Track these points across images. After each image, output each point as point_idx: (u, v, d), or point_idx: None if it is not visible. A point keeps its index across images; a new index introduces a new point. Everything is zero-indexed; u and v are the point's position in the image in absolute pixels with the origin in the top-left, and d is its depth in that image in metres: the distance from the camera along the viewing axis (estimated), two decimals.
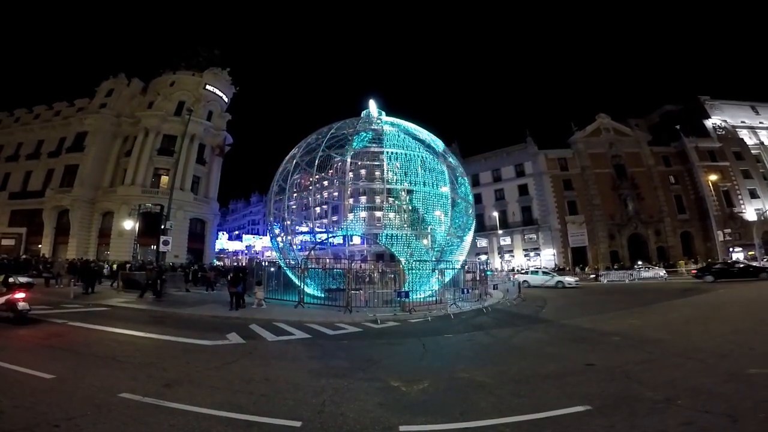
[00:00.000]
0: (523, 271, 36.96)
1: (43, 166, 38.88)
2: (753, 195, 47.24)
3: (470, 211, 20.60)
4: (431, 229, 18.98)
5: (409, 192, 18.46)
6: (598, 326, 11.35)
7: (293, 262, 18.48)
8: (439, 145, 20.47)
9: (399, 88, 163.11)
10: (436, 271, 17.89)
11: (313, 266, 18.01)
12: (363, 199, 34.97)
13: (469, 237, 20.52)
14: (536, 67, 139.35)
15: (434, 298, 17.61)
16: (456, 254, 19.64)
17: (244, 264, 37.50)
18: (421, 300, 16.77)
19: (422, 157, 18.61)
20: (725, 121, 50.87)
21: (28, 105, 43.45)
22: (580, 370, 6.63)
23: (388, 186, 17.93)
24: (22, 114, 42.83)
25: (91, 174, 37.34)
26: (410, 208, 19.21)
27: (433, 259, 18.29)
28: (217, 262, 42.64)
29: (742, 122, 51.47)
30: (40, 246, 35.20)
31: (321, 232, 19.50)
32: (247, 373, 6.82)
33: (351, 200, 29.18)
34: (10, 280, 11.58)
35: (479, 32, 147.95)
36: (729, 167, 47.61)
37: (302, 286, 16.44)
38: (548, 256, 46.44)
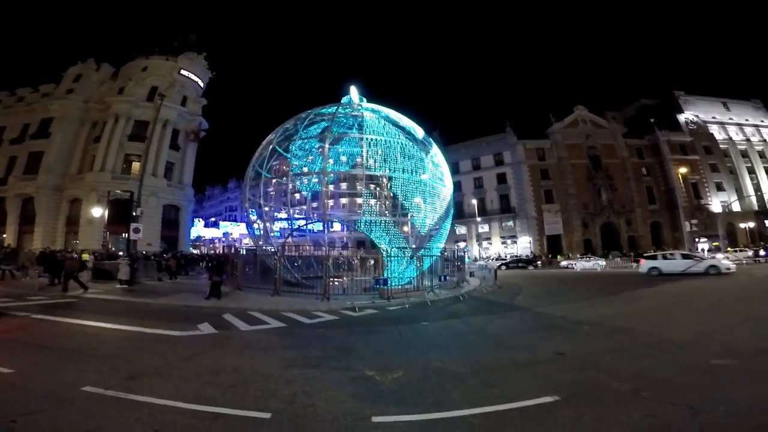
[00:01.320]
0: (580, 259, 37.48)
1: (4, 153, 37.17)
2: (719, 188, 49.37)
3: (449, 199, 20.64)
4: (411, 216, 18.93)
5: (389, 179, 18.33)
6: (571, 314, 11.54)
7: (272, 249, 18.21)
8: (418, 132, 20.36)
9: (382, 76, 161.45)
10: (415, 258, 17.96)
11: (290, 253, 17.81)
12: (344, 185, 34.69)
13: (447, 224, 20.65)
14: (518, 59, 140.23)
15: (413, 285, 17.71)
16: (435, 241, 19.76)
17: (220, 252, 36.74)
18: (400, 287, 16.86)
19: (402, 143, 18.46)
20: (697, 116, 52.69)
21: None
22: (551, 360, 6.72)
23: (367, 172, 17.71)
24: None
25: (57, 161, 35.93)
26: (390, 194, 19.08)
27: (413, 246, 18.36)
28: (193, 250, 41.70)
29: (713, 117, 53.45)
30: (4, 236, 33.49)
31: (299, 219, 19.19)
32: (217, 364, 6.65)
33: (332, 187, 28.86)
34: None
35: (463, 23, 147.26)
36: (698, 161, 49.50)
37: (278, 274, 16.17)
38: (525, 244, 47.47)
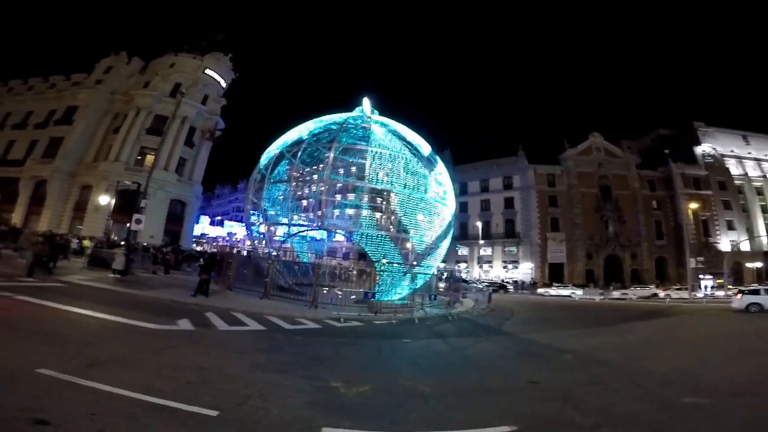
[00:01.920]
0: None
1: (27, 136, 38.31)
2: (730, 226, 48.49)
3: (450, 219, 20.53)
4: (409, 232, 18.84)
5: (389, 193, 18.36)
6: (556, 342, 11.38)
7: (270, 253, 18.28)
8: (425, 149, 20.43)
9: (400, 91, 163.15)
10: (409, 275, 17.85)
11: (283, 258, 17.85)
12: (351, 196, 34.73)
13: (445, 243, 20.46)
14: (538, 81, 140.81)
15: (405, 302, 17.55)
16: (430, 259, 19.62)
17: (215, 251, 36.93)
18: (392, 302, 16.73)
19: (406, 159, 18.53)
20: (715, 149, 51.76)
21: (27, 77, 42.66)
22: (522, 387, 6.56)
23: (368, 185, 17.78)
24: (17, 85, 42.32)
25: (76, 147, 36.88)
26: (390, 209, 19.08)
27: (408, 263, 18.26)
28: (195, 247, 41.99)
29: (731, 151, 52.45)
30: (12, 215, 34.17)
31: (296, 225, 19.22)
32: (183, 359, 6.65)
33: (339, 196, 28.93)
34: None
35: (485, 44, 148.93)
36: (711, 197, 48.73)
37: (269, 277, 16.18)
38: (526, 270, 46.92)
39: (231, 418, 4.37)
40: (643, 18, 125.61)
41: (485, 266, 50.42)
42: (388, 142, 18.73)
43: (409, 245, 18.91)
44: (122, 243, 22.16)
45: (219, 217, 76.14)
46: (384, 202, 18.84)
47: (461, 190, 54.04)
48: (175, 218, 38.33)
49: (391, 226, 18.75)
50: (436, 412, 5.19)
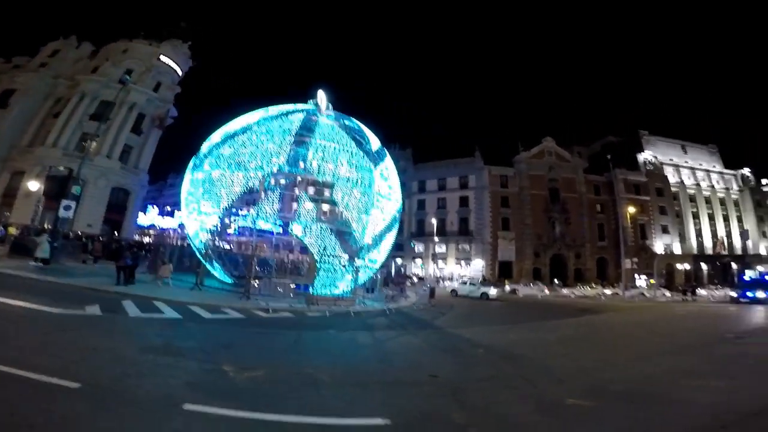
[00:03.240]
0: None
1: None
2: (664, 230, 52.33)
3: (395, 214, 20.87)
4: (350, 225, 18.97)
5: (332, 186, 18.43)
6: (478, 337, 11.51)
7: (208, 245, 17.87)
8: (374, 144, 20.65)
9: (364, 90, 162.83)
10: (350, 268, 18.02)
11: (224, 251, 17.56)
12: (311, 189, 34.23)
13: (389, 238, 20.81)
14: (497, 86, 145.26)
15: (346, 295, 17.70)
16: (374, 253, 19.89)
17: (149, 241, 35.53)
18: (333, 295, 16.82)
19: (351, 152, 18.67)
20: (656, 156, 55.62)
21: None
22: (420, 382, 6.49)
23: (309, 176, 17.79)
24: None
25: (9, 132, 34.44)
26: (332, 201, 19.14)
27: (350, 257, 18.41)
28: (139, 237, 40.10)
29: (670, 159, 56.66)
30: None
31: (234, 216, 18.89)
32: (76, 341, 6.56)
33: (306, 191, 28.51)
34: None
35: (448, 47, 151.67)
36: (649, 202, 52.33)
37: (200, 269, 15.92)
38: (478, 267, 48.40)
39: (93, 391, 4.39)
40: (604, 29, 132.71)
41: (440, 263, 51.53)
42: (334, 135, 18.79)
43: (351, 239, 19.11)
44: (52, 230, 20.85)
45: (168, 207, 72.93)
46: (326, 195, 18.86)
47: (420, 188, 55.04)
48: (118, 208, 36.40)
49: (331, 219, 18.81)
50: (320, 400, 5.18)
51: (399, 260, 51.80)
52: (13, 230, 22.67)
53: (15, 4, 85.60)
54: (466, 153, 54.50)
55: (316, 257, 17.34)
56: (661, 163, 55.78)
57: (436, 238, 49.14)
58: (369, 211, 18.51)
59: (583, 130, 65.99)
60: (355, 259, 18.52)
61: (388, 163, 21.11)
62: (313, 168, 17.97)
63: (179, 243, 19.81)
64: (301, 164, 18.33)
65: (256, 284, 15.32)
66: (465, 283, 33.62)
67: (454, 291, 31.28)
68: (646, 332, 14.92)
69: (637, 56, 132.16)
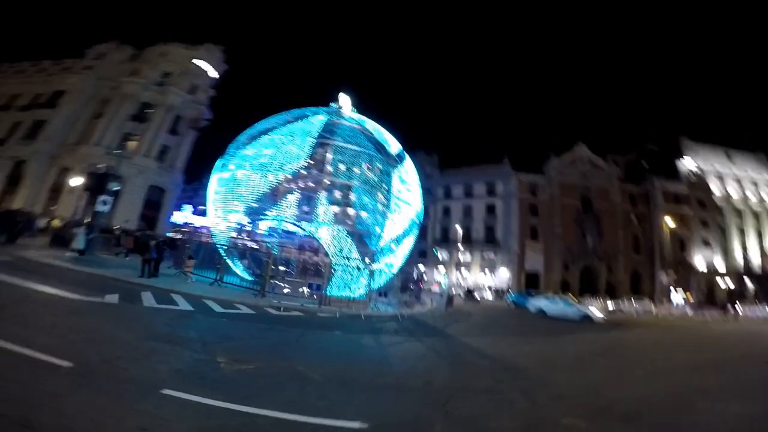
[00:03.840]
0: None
1: (10, 118, 38.26)
2: (705, 244, 49.07)
3: (414, 218, 20.79)
4: (368, 228, 19.04)
5: (349, 188, 18.61)
6: (487, 348, 11.16)
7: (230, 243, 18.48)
8: (394, 148, 20.72)
9: (392, 96, 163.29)
10: (365, 271, 18.05)
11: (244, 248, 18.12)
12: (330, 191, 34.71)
13: (407, 242, 20.75)
14: (528, 91, 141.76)
15: (360, 298, 17.75)
16: (391, 257, 19.87)
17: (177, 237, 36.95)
18: (347, 297, 16.88)
19: (370, 156, 18.83)
20: (698, 165, 51.92)
21: (18, 61, 42.93)
22: (414, 388, 6.35)
23: (328, 178, 18.06)
24: (5, 68, 42.29)
25: (59, 131, 37.01)
26: (350, 204, 19.30)
27: (366, 259, 18.47)
28: (172, 234, 41.84)
29: (714, 168, 52.55)
30: None
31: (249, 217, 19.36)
32: (84, 325, 6.97)
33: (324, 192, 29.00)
34: None
35: (476, 53, 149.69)
36: (690, 215, 49.27)
37: (220, 266, 16.44)
38: (503, 277, 47.26)
39: (81, 370, 4.67)
40: (638, 33, 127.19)
41: (464, 271, 50.70)
42: (355, 137, 19.00)
43: (368, 241, 19.17)
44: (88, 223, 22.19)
45: (203, 207, 75.82)
46: (343, 197, 19.03)
47: (445, 194, 54.54)
48: (154, 205, 38.36)
49: (348, 221, 18.95)
50: (301, 397, 5.15)
51: (421, 267, 51.42)
52: (56, 223, 24.32)
53: (62, 6, 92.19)
54: (494, 159, 53.50)
55: (332, 258, 17.52)
56: (705, 171, 52.13)
57: (460, 246, 48.43)
58: (387, 214, 18.54)
59: (618, 137, 63.11)
60: (372, 262, 18.58)
61: (408, 167, 21.10)
62: (332, 170, 18.25)
63: (207, 240, 20.50)
64: (322, 166, 18.63)
65: (273, 283, 15.61)
66: (551, 300, 25.68)
67: (540, 310, 24.15)
68: (672, 349, 14.09)
69: (676, 58, 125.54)
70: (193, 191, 75.00)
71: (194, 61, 41.91)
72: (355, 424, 4.41)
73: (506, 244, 48.61)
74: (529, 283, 46.64)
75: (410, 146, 22.06)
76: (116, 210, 32.52)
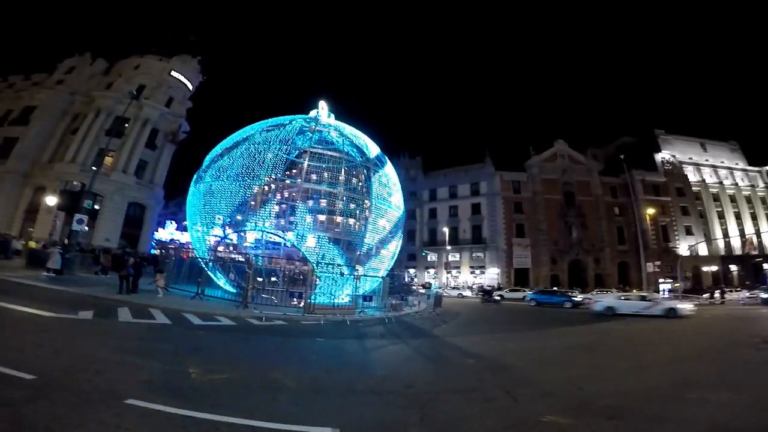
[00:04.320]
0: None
1: None
2: (688, 231, 50.28)
3: (397, 221, 20.81)
4: (350, 233, 19.03)
5: (329, 195, 18.59)
6: (473, 347, 10.96)
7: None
8: (373, 151, 20.77)
9: (371, 101, 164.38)
10: (350, 277, 17.97)
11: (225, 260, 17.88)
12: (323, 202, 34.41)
13: (392, 246, 20.76)
14: (506, 89, 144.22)
15: (346, 304, 17.64)
16: (376, 262, 19.84)
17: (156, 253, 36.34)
18: (330, 304, 16.75)
19: (347, 160, 18.85)
20: (674, 156, 53.84)
21: None
22: (392, 391, 6.27)
23: (305, 185, 17.99)
24: None
25: (31, 148, 35.97)
26: (330, 210, 19.28)
27: (350, 265, 18.41)
28: (157, 251, 41.18)
29: (690, 158, 54.64)
30: None
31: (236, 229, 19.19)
32: (53, 340, 6.90)
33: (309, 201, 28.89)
34: None
35: (454, 53, 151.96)
36: (670, 203, 50.55)
37: (201, 279, 16.23)
38: (492, 275, 47.58)
39: (43, 383, 4.62)
40: (611, 28, 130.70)
41: (454, 272, 50.91)
42: (332, 144, 19.03)
43: (351, 247, 19.14)
44: (65, 243, 21.74)
45: (185, 222, 74.77)
46: (323, 204, 19.01)
47: (431, 197, 54.87)
48: (135, 222, 37.66)
49: (330, 228, 18.91)
50: (274, 404, 5.09)
51: (412, 270, 51.50)
52: (33, 244, 23.70)
53: (30, 20, 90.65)
54: (477, 159, 54.16)
55: (314, 266, 17.41)
56: (680, 162, 53.87)
57: (448, 247, 48.72)
58: (369, 218, 18.54)
59: (596, 132, 64.68)
60: (356, 267, 18.52)
61: (388, 170, 21.15)
62: (311, 177, 18.21)
63: (190, 254, 20.20)
64: (298, 173, 18.57)
65: (256, 294, 15.40)
66: (623, 297, 24.14)
67: (609, 308, 22.16)
68: (660, 338, 14.12)
69: (647, 53, 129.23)
70: (177, 207, 74.05)
71: (171, 73, 41.86)
72: (326, 430, 4.33)
73: (493, 242, 49.04)
74: (519, 279, 47.09)
75: (393, 151, 22.35)
76: (96, 228, 31.93)
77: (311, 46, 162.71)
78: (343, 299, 17.78)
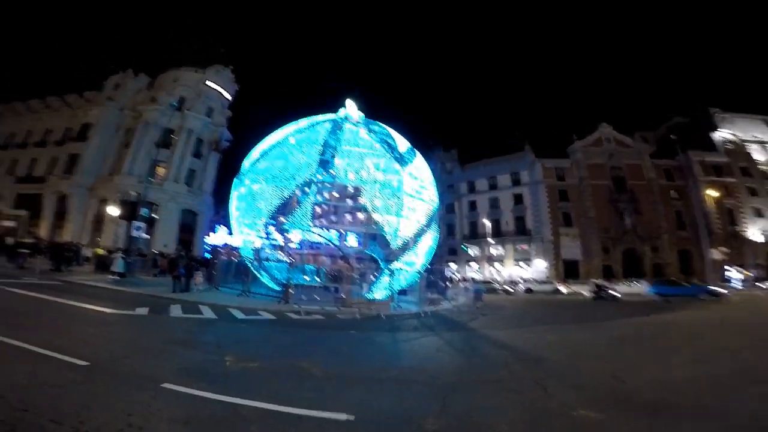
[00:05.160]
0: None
1: (48, 153, 40.97)
2: (759, 214, 45.51)
3: (430, 214, 20.75)
4: (382, 229, 19.18)
5: (359, 191, 18.89)
6: (509, 339, 10.57)
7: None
8: (402, 146, 20.85)
9: (403, 95, 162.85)
10: (386, 271, 18.20)
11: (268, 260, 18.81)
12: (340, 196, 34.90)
13: (426, 239, 20.71)
14: (543, 74, 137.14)
15: (383, 299, 17.89)
16: (410, 255, 19.89)
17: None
18: (368, 299, 17.06)
19: (377, 156, 19.06)
20: (735, 134, 49.10)
21: (43, 95, 46.07)
22: (416, 381, 6.16)
23: (337, 182, 18.42)
24: (35, 103, 45.39)
25: (92, 163, 39.10)
26: (362, 206, 19.57)
27: (384, 260, 18.64)
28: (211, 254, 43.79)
29: (754, 137, 49.46)
30: (39, 229, 37.00)
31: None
32: (109, 332, 7.68)
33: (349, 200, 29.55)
34: None
35: (486, 38, 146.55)
36: (735, 183, 46.06)
37: (247, 277, 17.17)
38: (539, 268, 45.84)
39: (93, 367, 5.24)
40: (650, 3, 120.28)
41: (497, 265, 49.66)
42: (361, 141, 19.31)
43: (384, 242, 19.31)
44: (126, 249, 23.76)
45: None
46: (356, 200, 19.34)
47: (469, 189, 53.83)
48: (188, 228, 40.29)
49: (363, 224, 19.20)
50: (296, 391, 5.23)
51: (453, 265, 50.88)
52: (100, 251, 26.11)
53: (72, 41, 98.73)
54: (515, 148, 52.37)
55: (350, 262, 17.84)
56: (743, 141, 48.79)
57: (490, 240, 47.59)
58: (400, 212, 18.64)
59: (643, 114, 60.00)
60: (391, 262, 18.69)
61: (420, 164, 21.16)
62: (341, 175, 18.62)
63: (237, 256, 21.39)
64: (330, 172, 19.02)
65: (297, 290, 16.07)
66: None
67: None
68: (725, 330, 12.43)
69: (697, 26, 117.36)
70: (226, 212, 78.64)
71: (207, 83, 44.11)
72: (342, 416, 4.37)
73: (539, 233, 47.18)
74: (569, 271, 45.02)
75: (427, 144, 22.10)
76: (155, 235, 34.54)
77: (341, 44, 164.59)
78: (379, 294, 18.06)
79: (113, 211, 28.16)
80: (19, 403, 3.79)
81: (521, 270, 47.65)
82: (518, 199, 49.61)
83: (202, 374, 5.62)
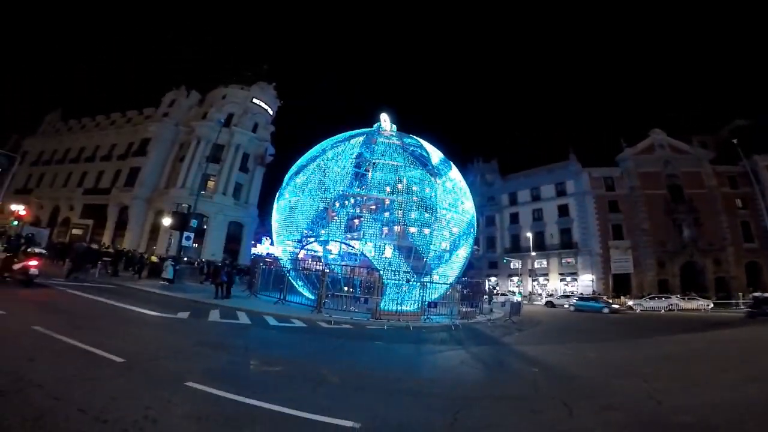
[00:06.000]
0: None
1: (113, 166, 45.15)
2: None
3: (465, 227, 20.51)
4: (415, 241, 19.18)
5: (392, 202, 19.09)
6: (541, 355, 10.14)
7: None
8: (435, 158, 20.88)
9: (440, 108, 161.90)
10: (417, 284, 18.12)
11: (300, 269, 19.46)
12: (373, 208, 35.19)
13: (462, 252, 20.45)
14: (587, 79, 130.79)
15: (414, 310, 17.81)
16: (444, 268, 19.70)
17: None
18: (398, 310, 17.03)
19: (411, 168, 19.22)
20: None
21: (108, 111, 51.32)
22: (435, 394, 6.07)
23: (370, 194, 18.73)
24: (102, 120, 50.70)
25: (150, 176, 42.53)
26: (395, 219, 19.72)
27: (417, 272, 18.58)
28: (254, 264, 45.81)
29: None
30: (101, 237, 40.73)
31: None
32: (151, 333, 8.40)
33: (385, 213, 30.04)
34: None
35: (528, 45, 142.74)
36: None
37: (284, 286, 17.80)
38: (586, 282, 43.52)
39: (128, 365, 5.75)
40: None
41: (541, 279, 47.71)
42: (394, 153, 19.57)
43: (417, 254, 19.26)
44: (185, 258, 25.57)
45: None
46: (389, 213, 19.55)
47: (511, 201, 52.47)
48: (234, 239, 42.50)
49: (397, 236, 19.31)
50: (309, 396, 5.36)
51: (493, 278, 49.56)
52: (153, 258, 28.20)
53: (128, 60, 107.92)
54: (559, 157, 50.55)
55: (381, 273, 17.93)
56: None
57: (533, 253, 45.88)
58: (432, 224, 18.57)
59: (700, 118, 55.49)
60: (424, 274, 18.59)
61: (454, 176, 21.03)
62: (377, 187, 18.92)
63: (275, 265, 22.34)
64: (367, 185, 19.42)
65: (331, 299, 16.48)
66: None
67: None
68: None
69: (755, 21, 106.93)
70: (269, 223, 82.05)
71: (253, 100, 46.69)
72: (348, 423, 4.42)
73: (586, 246, 44.94)
74: (618, 286, 42.35)
75: (466, 156, 21.93)
76: (204, 244, 36.84)
77: (379, 60, 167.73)
78: (409, 306, 17.99)
79: (166, 221, 30.40)
80: (54, 393, 4.28)
81: (566, 284, 45.52)
82: (563, 211, 47.61)
83: (225, 375, 5.97)
